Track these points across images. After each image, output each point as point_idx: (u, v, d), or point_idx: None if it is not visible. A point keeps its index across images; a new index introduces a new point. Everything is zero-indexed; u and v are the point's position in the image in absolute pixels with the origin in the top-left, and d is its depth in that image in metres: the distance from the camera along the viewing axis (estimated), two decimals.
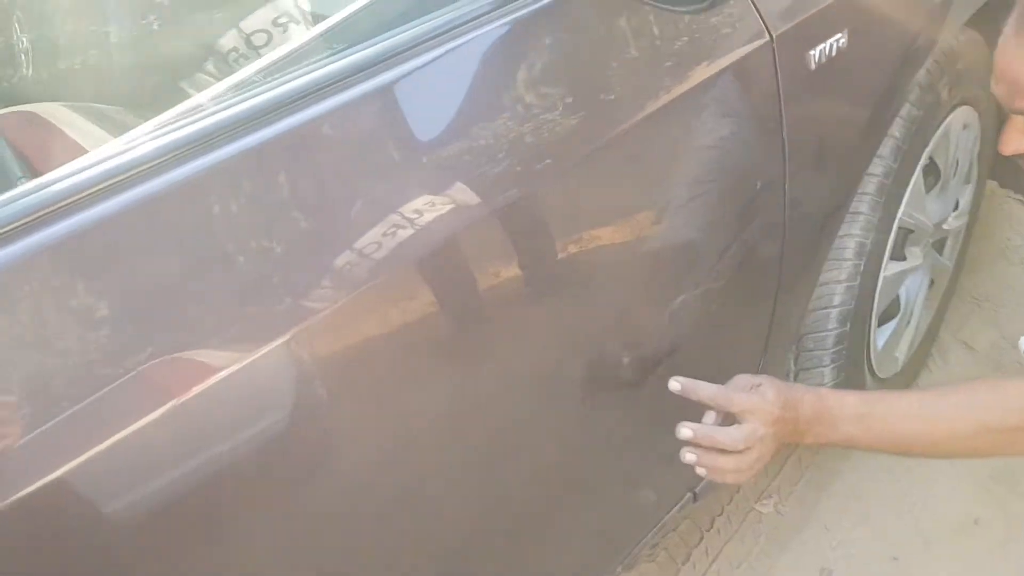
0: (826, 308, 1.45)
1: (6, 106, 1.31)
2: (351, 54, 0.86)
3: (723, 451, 0.98)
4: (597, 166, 0.99)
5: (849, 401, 1.01)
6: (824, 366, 1.51)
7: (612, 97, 0.98)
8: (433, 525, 1.00)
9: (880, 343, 1.65)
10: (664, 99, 1.02)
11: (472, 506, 1.04)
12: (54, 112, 1.25)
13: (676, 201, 1.09)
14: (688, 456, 0.99)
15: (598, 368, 1.12)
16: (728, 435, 0.98)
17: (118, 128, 1.09)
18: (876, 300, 1.53)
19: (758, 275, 1.25)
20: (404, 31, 0.89)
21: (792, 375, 1.55)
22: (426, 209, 0.84)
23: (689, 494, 1.43)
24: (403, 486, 0.93)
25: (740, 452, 0.98)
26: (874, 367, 1.65)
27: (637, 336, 1.14)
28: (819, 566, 1.66)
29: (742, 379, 1.02)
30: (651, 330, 1.16)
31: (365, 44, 0.87)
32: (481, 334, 0.96)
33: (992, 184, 2.06)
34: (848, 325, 1.47)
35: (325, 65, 0.84)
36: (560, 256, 0.99)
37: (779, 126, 1.16)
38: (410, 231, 0.82)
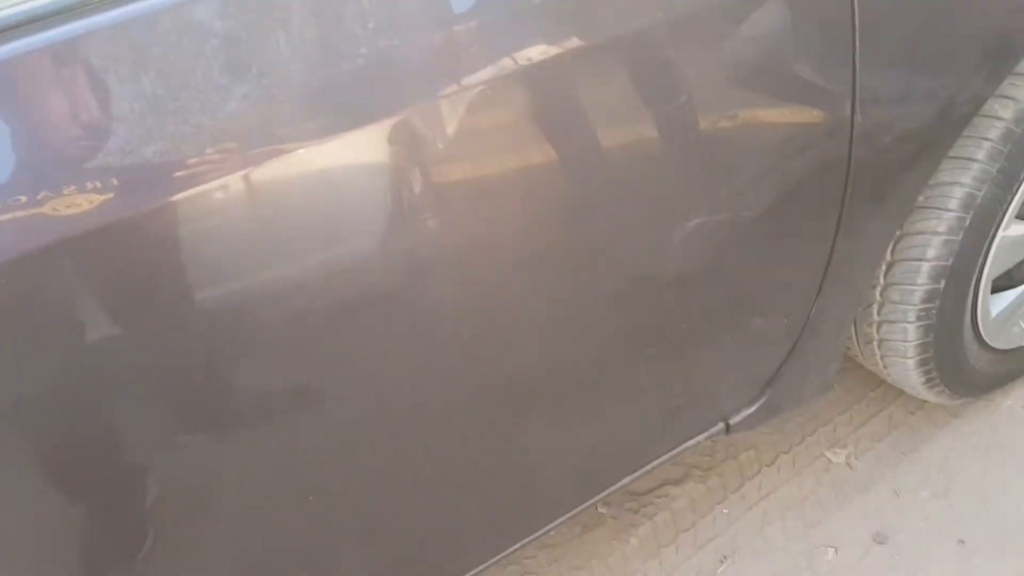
0: (917, 260, 1.31)
1: None
2: None
3: None
4: (616, 61, 0.94)
5: None
6: (909, 322, 1.37)
7: None
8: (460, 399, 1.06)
9: (995, 311, 1.46)
10: None
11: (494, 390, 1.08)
12: None
13: (701, 109, 1.01)
14: None
15: (632, 279, 1.10)
16: None
17: None
18: (988, 261, 1.36)
19: (810, 211, 1.14)
20: None
21: (875, 326, 1.42)
22: None
23: (722, 424, 1.38)
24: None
25: None
26: (983, 335, 1.48)
27: (650, 255, 1.09)
28: (875, 530, 1.56)
29: None
30: (670, 250, 1.10)
31: None
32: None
33: None
34: (943, 283, 1.32)
35: None
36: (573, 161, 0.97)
37: (849, 37, 1.02)
38: None
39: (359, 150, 0.84)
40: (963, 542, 1.51)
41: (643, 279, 1.10)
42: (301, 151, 0.80)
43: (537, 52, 0.88)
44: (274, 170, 0.79)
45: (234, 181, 0.78)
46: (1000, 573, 1.45)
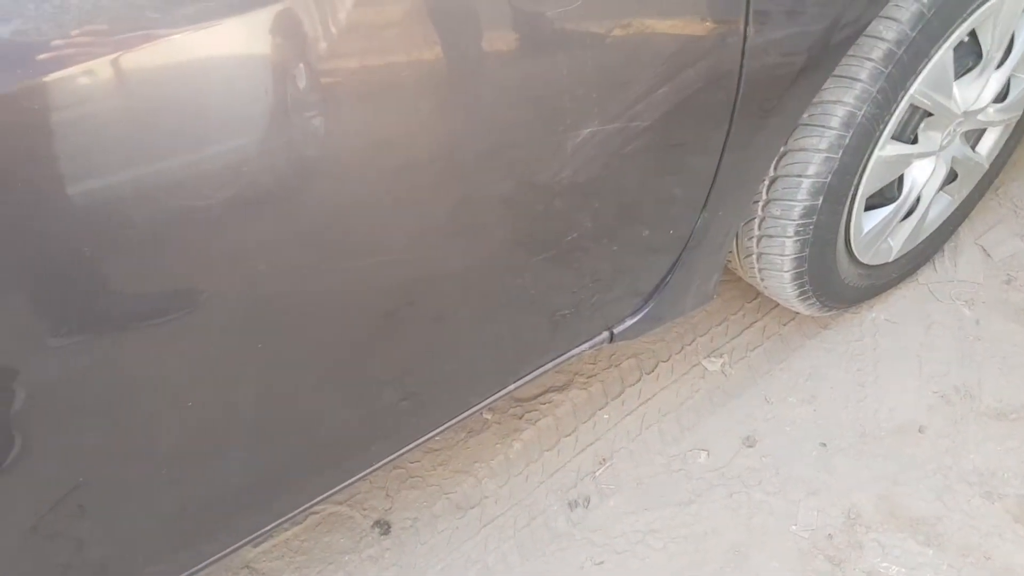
0: (798, 176, 1.34)
1: None
2: None
3: None
4: None
5: None
6: (787, 236, 1.41)
7: None
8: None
9: (866, 227, 1.53)
10: None
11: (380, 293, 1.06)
12: None
13: (596, 17, 0.98)
14: None
15: (522, 187, 1.08)
16: None
17: None
18: (863, 179, 1.41)
19: (700, 124, 1.15)
20: None
21: (755, 240, 1.46)
22: None
23: (606, 333, 1.41)
24: None
25: None
26: (854, 251, 1.54)
27: (540, 163, 1.08)
28: (745, 434, 1.64)
29: None
30: (560, 159, 1.09)
31: None
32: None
33: None
34: (821, 199, 1.36)
35: None
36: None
37: None
38: None
39: (238, 40, 0.79)
40: (825, 445, 1.61)
41: (533, 187, 1.09)
42: (175, 37, 0.74)
43: None
44: (145, 57, 0.74)
45: (101, 66, 0.72)
46: (857, 472, 1.56)
